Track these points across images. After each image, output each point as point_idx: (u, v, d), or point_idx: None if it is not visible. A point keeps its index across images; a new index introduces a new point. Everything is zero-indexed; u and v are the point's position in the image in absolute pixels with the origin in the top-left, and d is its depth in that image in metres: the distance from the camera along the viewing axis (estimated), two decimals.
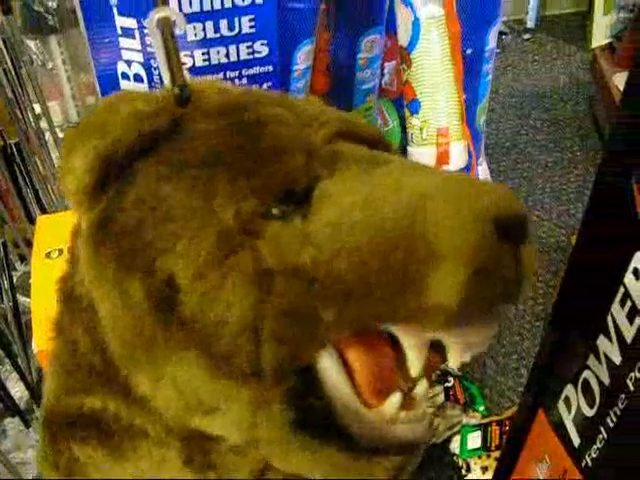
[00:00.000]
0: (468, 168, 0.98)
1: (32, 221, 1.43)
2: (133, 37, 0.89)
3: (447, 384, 1.41)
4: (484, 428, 1.34)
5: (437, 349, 1.31)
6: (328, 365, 0.31)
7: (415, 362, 0.32)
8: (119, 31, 0.90)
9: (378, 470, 0.32)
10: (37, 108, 1.43)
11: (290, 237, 0.30)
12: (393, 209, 0.29)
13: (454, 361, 0.32)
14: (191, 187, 0.30)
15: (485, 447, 1.31)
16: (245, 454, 0.35)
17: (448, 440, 1.37)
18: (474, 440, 1.33)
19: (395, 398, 0.32)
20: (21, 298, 1.34)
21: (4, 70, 1.19)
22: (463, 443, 1.34)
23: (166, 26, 0.32)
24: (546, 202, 2.09)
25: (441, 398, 1.39)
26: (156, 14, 0.33)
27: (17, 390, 1.36)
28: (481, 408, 1.44)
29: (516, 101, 2.60)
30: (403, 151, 1.07)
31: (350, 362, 0.32)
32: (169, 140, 0.32)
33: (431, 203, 0.29)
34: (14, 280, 1.31)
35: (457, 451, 1.34)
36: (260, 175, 0.31)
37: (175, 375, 0.31)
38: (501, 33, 2.97)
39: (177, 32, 0.32)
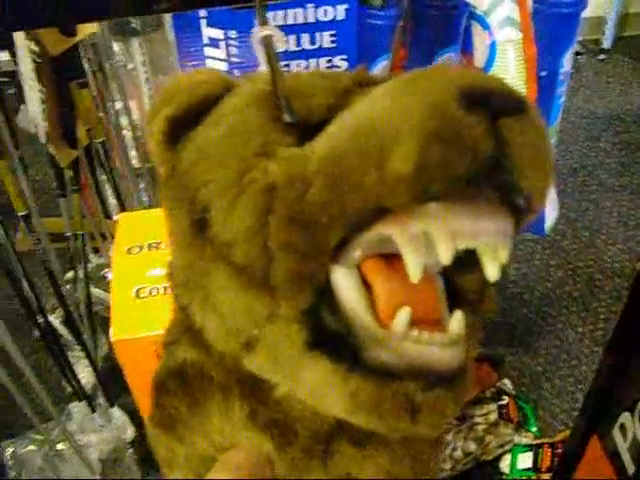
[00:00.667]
0: None
1: (108, 216, 1.50)
2: (218, 47, 0.94)
3: (501, 402, 1.42)
4: (535, 449, 1.33)
5: (493, 365, 1.30)
6: (344, 284, 0.32)
7: (410, 260, 0.30)
8: (205, 41, 0.94)
9: (387, 392, 0.30)
10: (117, 106, 1.50)
11: (299, 154, 0.32)
12: (366, 113, 0.31)
13: (443, 252, 0.29)
14: (230, 128, 0.35)
15: (535, 468, 1.30)
16: (305, 412, 0.36)
17: (498, 458, 1.37)
18: (525, 460, 1.33)
19: (404, 313, 0.31)
20: (93, 289, 1.40)
21: (93, 72, 1.25)
22: (513, 462, 1.34)
23: (268, 44, 0.35)
24: (612, 227, 2.06)
25: (494, 416, 1.39)
26: (259, 33, 0.36)
27: (84, 376, 1.42)
28: (534, 429, 1.43)
29: (587, 122, 2.57)
30: None
31: (372, 285, 0.32)
32: (221, 100, 0.38)
33: (396, 100, 0.30)
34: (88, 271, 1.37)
35: (507, 470, 1.34)
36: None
37: (213, 294, 0.34)
38: (576, 53, 2.93)
39: (278, 48, 0.35)
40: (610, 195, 2.19)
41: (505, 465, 1.35)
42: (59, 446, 1.33)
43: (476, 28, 0.93)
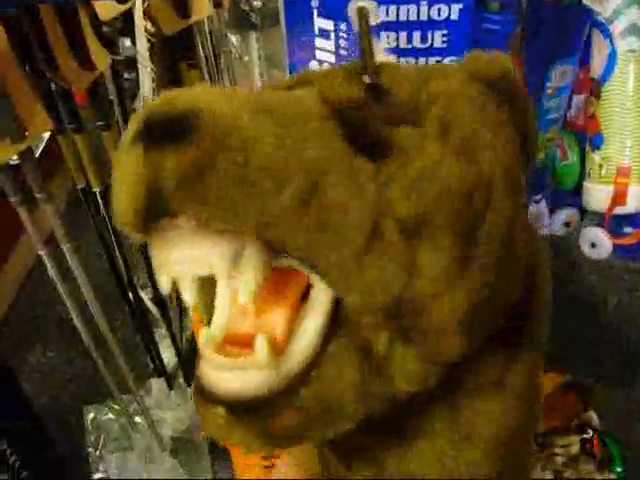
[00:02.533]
0: None
1: None
2: (328, 38, 0.93)
3: (585, 435, 1.34)
4: None
5: (580, 395, 1.23)
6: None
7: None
8: (316, 32, 0.94)
9: (202, 413, 0.31)
10: None
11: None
12: None
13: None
14: None
15: None
16: None
17: None
18: None
19: (205, 331, 0.31)
20: None
21: (205, 57, 1.28)
22: None
23: (362, 15, 0.35)
24: None
25: (576, 449, 1.32)
26: (355, 3, 0.37)
27: (166, 354, 1.45)
28: (619, 470, 1.35)
29: None
30: (579, 188, 1.03)
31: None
32: None
33: None
34: None
35: None
36: None
37: None
38: None
39: (372, 22, 0.35)
40: None
41: None
42: (136, 418, 1.37)
43: (596, 36, 0.89)
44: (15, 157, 0.85)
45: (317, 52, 0.96)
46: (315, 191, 0.29)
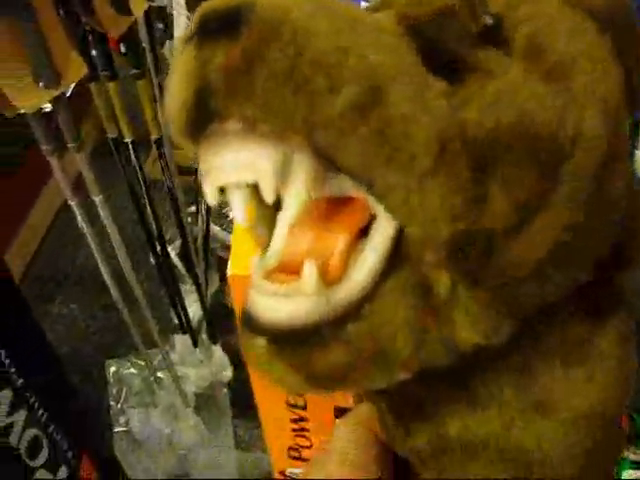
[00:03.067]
0: None
1: None
2: None
3: None
4: None
5: None
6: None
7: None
8: None
9: (248, 348, 0.28)
10: None
11: None
12: None
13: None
14: None
15: None
16: None
17: None
18: (631, 477, 1.24)
19: (256, 258, 0.28)
20: (212, 225, 1.41)
21: None
22: (618, 477, 1.26)
23: None
24: None
25: None
26: None
27: (192, 310, 1.43)
28: None
29: None
30: None
31: None
32: None
33: None
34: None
35: None
36: None
37: None
38: None
39: None
40: None
41: None
42: (159, 374, 1.36)
43: None
44: (48, 104, 0.82)
45: None
46: (377, 98, 0.26)
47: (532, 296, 0.30)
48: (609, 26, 0.33)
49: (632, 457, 1.31)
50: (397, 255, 0.29)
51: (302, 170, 0.27)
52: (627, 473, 1.26)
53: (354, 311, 0.28)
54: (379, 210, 0.28)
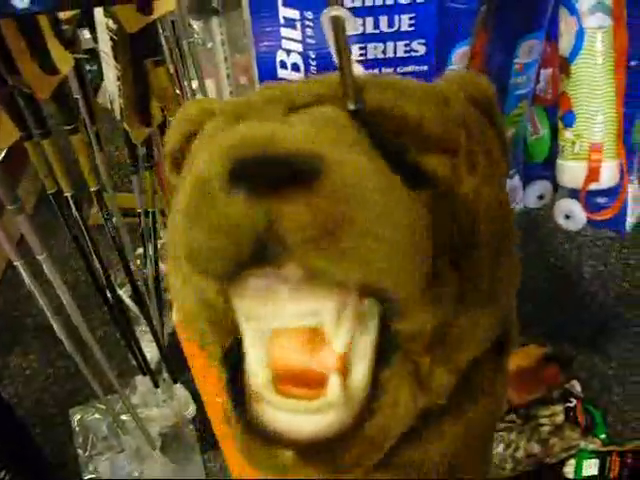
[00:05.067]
0: (619, 187, 0.94)
1: None
2: (294, 28, 0.92)
3: (568, 404, 1.37)
4: (603, 456, 1.28)
5: (561, 365, 1.26)
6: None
7: (253, 354, 0.32)
8: (282, 21, 0.93)
9: (264, 455, 0.30)
10: (194, 84, 1.51)
11: None
12: None
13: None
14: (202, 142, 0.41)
15: (602, 476, 1.25)
16: None
17: (563, 462, 1.33)
18: (590, 467, 1.28)
19: (265, 374, 0.30)
20: (162, 266, 1.41)
21: (170, 50, 1.25)
22: (578, 469, 1.29)
23: (337, 25, 0.32)
24: None
25: (561, 418, 1.34)
26: (329, 12, 0.32)
27: (149, 350, 1.44)
28: (602, 435, 1.38)
29: None
30: (551, 161, 1.04)
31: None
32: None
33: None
34: (158, 247, 1.39)
35: (571, 476, 1.30)
36: None
37: None
38: None
39: (350, 32, 0.32)
40: None
41: (570, 470, 1.30)
42: (123, 417, 1.36)
43: (563, 13, 0.89)
44: None
45: (283, 41, 0.95)
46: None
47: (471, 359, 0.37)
48: (489, 115, 0.39)
49: (591, 447, 1.34)
50: (388, 347, 0.32)
51: (353, 308, 0.29)
52: (587, 463, 1.29)
53: (366, 410, 0.31)
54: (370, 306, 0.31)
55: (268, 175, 0.25)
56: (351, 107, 0.31)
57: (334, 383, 0.30)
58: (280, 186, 0.25)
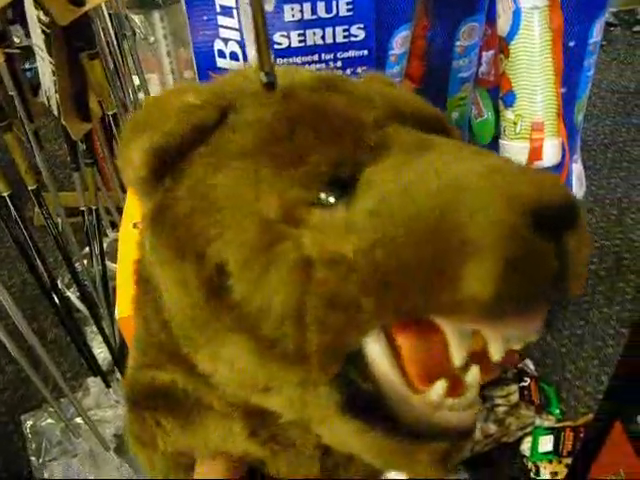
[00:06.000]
0: (561, 165, 0.95)
1: (125, 190, 1.48)
2: (231, 16, 0.90)
3: (523, 383, 1.39)
4: (557, 432, 1.31)
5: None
6: (376, 350, 0.31)
7: (457, 349, 0.30)
8: (218, 9, 0.91)
9: (422, 454, 0.31)
10: (136, 80, 1.48)
11: (333, 226, 0.30)
12: (428, 198, 0.29)
13: (495, 352, 0.30)
14: (237, 177, 0.32)
15: (557, 452, 1.27)
16: (307, 430, 0.35)
17: (519, 441, 1.35)
18: (546, 443, 1.30)
19: (440, 384, 0.31)
20: (110, 264, 1.39)
21: (107, 42, 1.23)
22: (534, 445, 1.31)
23: (256, 2, 0.31)
24: None
25: (515, 397, 1.36)
26: None
27: (101, 351, 1.41)
28: (556, 411, 1.40)
29: (619, 97, 2.50)
30: (496, 143, 1.05)
31: (399, 347, 0.31)
32: (219, 130, 0.34)
33: (464, 194, 0.29)
34: (104, 246, 1.36)
35: (527, 453, 1.32)
36: (304, 161, 0.32)
37: (229, 356, 0.32)
38: (609, 25, 2.85)
39: (267, 9, 0.31)
40: None
41: (526, 448, 1.33)
42: (77, 420, 1.34)
43: None
44: None
45: (221, 30, 0.93)
46: None
47: None
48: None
49: (546, 423, 1.37)
50: None
51: None
52: (543, 440, 1.32)
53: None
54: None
55: (558, 221, 0.28)
56: (264, 80, 0.30)
57: (474, 374, 0.32)
58: (567, 229, 0.29)
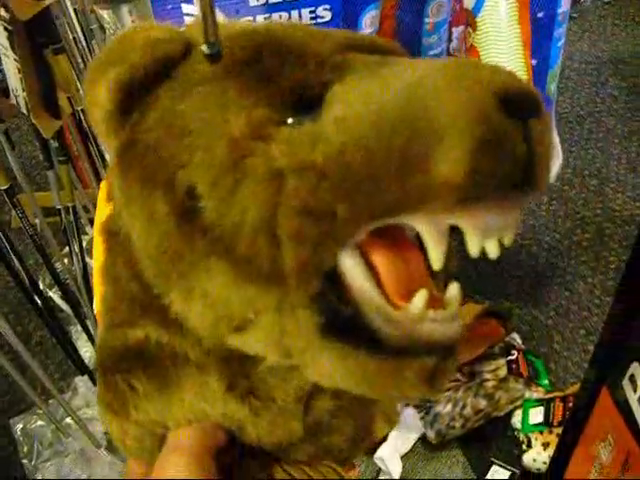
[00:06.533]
0: None
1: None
2: (194, 3, 0.89)
3: (510, 357, 1.39)
4: (547, 403, 1.31)
5: (501, 320, 1.27)
6: (353, 268, 0.31)
7: (435, 250, 0.30)
8: None
9: (408, 371, 0.31)
10: None
11: (301, 137, 0.30)
12: (393, 94, 0.29)
13: (472, 246, 0.30)
14: (204, 101, 0.32)
15: (547, 423, 1.28)
16: (287, 379, 0.35)
17: (510, 414, 1.36)
18: (536, 415, 1.31)
19: (420, 296, 0.30)
20: (90, 261, 1.38)
21: (74, 39, 1.21)
22: (525, 418, 1.32)
23: None
24: (621, 174, 2.01)
25: (504, 371, 1.37)
26: None
27: (86, 350, 1.40)
28: (545, 382, 1.41)
29: (593, 68, 2.51)
30: None
31: (375, 264, 0.31)
32: (183, 64, 0.34)
33: (429, 80, 0.29)
34: (84, 244, 1.35)
35: (519, 426, 1.32)
36: (271, 83, 0.32)
37: (203, 286, 0.31)
38: None
39: None
40: (618, 142, 2.14)
41: (517, 420, 1.33)
42: (68, 420, 1.33)
43: None
44: None
45: (186, 18, 0.92)
46: None
47: None
48: None
49: (535, 395, 1.37)
50: None
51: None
52: (533, 411, 1.32)
53: None
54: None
55: (523, 105, 0.29)
56: (206, 51, 0.29)
57: (453, 291, 0.32)
58: (533, 116, 0.29)
